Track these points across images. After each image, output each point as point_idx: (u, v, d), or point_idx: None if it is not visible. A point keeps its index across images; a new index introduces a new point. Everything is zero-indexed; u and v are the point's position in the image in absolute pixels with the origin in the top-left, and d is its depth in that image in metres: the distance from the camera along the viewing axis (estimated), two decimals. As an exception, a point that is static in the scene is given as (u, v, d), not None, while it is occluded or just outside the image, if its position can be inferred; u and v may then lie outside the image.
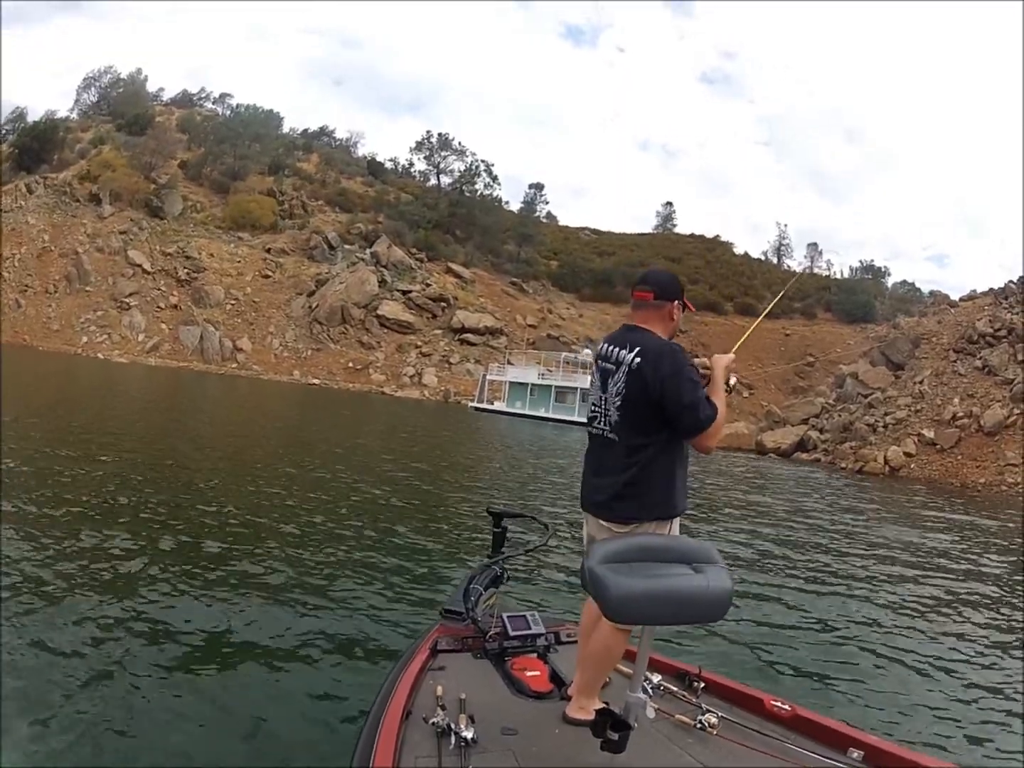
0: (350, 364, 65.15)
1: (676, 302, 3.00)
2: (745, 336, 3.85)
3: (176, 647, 4.77)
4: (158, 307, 68.21)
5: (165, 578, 6.09)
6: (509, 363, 59.85)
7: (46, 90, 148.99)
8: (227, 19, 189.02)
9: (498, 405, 54.08)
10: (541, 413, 50.01)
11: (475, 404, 54.23)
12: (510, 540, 4.23)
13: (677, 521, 2.95)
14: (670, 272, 3.14)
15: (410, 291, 70.70)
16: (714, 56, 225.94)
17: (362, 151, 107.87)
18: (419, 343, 67.63)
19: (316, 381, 61.21)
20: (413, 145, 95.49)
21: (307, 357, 66.03)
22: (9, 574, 5.70)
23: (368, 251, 74.08)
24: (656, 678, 3.06)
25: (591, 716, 2.51)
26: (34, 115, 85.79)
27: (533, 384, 53.49)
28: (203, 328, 65.99)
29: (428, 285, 72.75)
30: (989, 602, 8.73)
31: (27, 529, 7.05)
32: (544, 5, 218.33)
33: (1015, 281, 36.77)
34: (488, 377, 56.32)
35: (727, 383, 3.01)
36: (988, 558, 11.95)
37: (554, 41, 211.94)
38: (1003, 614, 8.21)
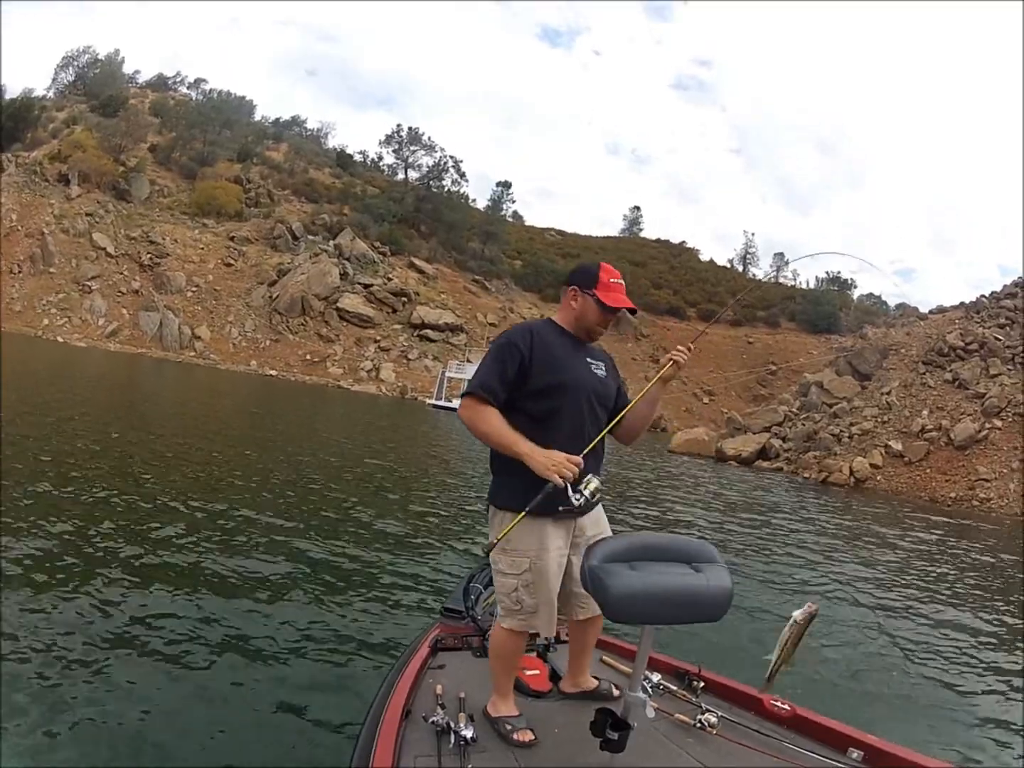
0: (308, 356, 61.45)
1: (571, 288, 2.83)
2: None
3: (174, 647, 4.50)
4: (120, 292, 64.17)
5: (160, 576, 5.74)
6: (468, 361, 56.21)
7: (24, 69, 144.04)
8: (206, 13, 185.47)
9: (456, 403, 51.10)
10: (499, 412, 47.21)
11: (433, 401, 50.98)
12: None
13: (569, 526, 2.68)
14: (587, 263, 2.96)
15: (371, 284, 67.09)
16: (689, 63, 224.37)
17: (332, 142, 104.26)
18: (378, 337, 64.20)
19: (273, 372, 57.64)
20: (383, 138, 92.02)
21: (265, 348, 62.24)
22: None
23: (331, 243, 70.22)
24: (656, 677, 2.97)
25: (500, 714, 2.57)
26: (11, 93, 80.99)
27: (492, 382, 50.67)
28: (163, 315, 61.99)
29: (389, 279, 68.97)
30: (985, 600, 8.86)
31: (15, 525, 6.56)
32: (522, 6, 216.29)
33: (987, 296, 35.37)
34: (447, 374, 53.12)
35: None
36: (978, 559, 12.33)
37: (530, 42, 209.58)
38: (999, 613, 8.28)
